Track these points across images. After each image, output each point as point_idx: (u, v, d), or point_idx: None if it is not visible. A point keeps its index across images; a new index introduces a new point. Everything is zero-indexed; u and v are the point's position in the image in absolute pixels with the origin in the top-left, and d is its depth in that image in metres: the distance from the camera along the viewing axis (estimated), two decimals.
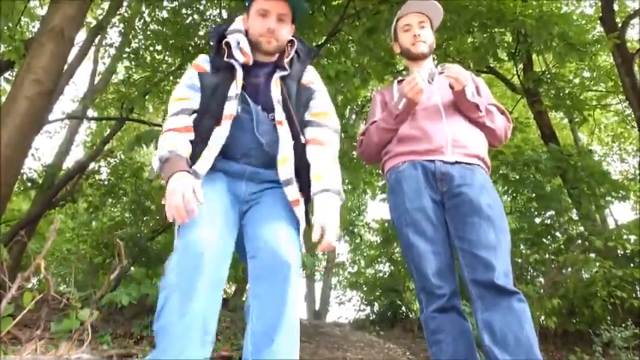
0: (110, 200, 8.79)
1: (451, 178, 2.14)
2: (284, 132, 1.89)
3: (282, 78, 1.96)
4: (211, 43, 1.99)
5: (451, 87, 2.22)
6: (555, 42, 6.59)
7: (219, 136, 1.84)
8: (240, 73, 1.91)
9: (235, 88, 1.89)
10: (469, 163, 2.18)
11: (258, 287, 1.72)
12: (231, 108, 1.86)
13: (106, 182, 8.54)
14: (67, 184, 8.07)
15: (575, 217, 7.05)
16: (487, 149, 2.33)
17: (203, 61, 1.98)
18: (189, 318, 1.58)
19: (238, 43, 1.93)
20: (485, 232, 2.03)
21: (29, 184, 8.36)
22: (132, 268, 6.45)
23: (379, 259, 10.09)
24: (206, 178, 1.82)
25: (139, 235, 7.09)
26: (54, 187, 7.93)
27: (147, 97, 9.14)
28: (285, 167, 1.86)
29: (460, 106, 2.27)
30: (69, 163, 10.03)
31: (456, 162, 2.17)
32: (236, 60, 1.91)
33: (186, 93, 1.93)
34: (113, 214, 9.22)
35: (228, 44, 1.93)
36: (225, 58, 1.91)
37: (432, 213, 2.14)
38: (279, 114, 1.90)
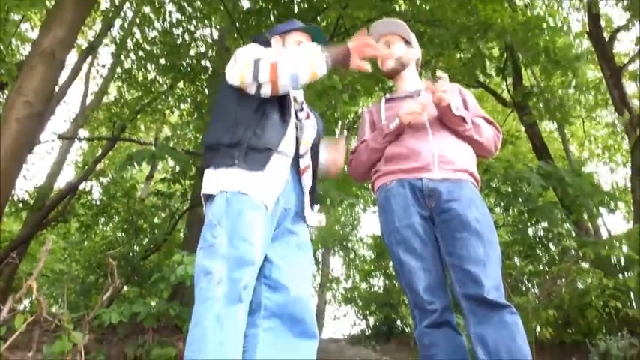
0: (102, 220, 8.74)
1: (439, 194, 2.14)
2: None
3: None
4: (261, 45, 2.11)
5: (436, 103, 2.22)
6: (541, 58, 6.70)
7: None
8: None
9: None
10: (457, 179, 2.19)
11: (273, 322, 1.87)
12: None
13: (98, 202, 8.50)
14: (59, 204, 8.04)
15: (568, 228, 7.07)
16: (476, 163, 2.34)
17: None
18: (230, 329, 1.67)
19: None
20: (474, 247, 2.03)
21: (20, 205, 8.31)
22: (125, 288, 6.40)
23: (373, 274, 10.08)
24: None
25: (131, 254, 7.05)
26: (45, 207, 7.89)
27: (139, 116, 9.17)
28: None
29: (446, 120, 2.27)
30: (60, 183, 10.01)
31: (444, 179, 2.17)
32: None
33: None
34: (105, 233, 9.17)
35: None
36: None
37: (421, 230, 2.15)
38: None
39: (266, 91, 1.88)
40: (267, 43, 2.15)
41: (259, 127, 1.88)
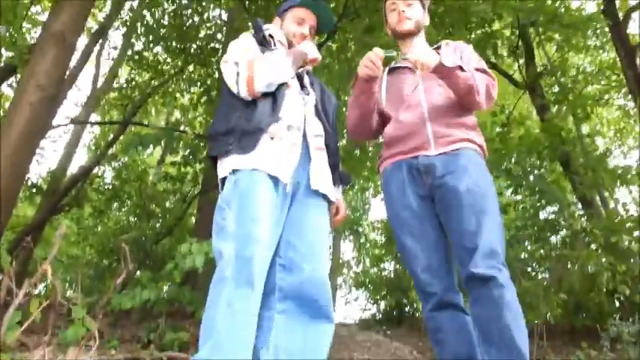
0: (115, 204, 8.80)
1: (434, 169, 2.07)
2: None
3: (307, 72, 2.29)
4: (254, 33, 2.24)
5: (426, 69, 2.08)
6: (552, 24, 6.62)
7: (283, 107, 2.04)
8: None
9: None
10: (455, 149, 2.10)
11: (287, 305, 1.87)
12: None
13: (110, 186, 8.56)
14: (72, 189, 8.10)
15: (574, 211, 7.02)
16: (476, 128, 2.23)
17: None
18: (241, 315, 1.69)
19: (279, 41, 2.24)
20: (466, 219, 1.96)
21: (34, 190, 8.38)
22: (138, 272, 6.47)
23: (384, 258, 10.09)
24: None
25: (143, 238, 7.11)
26: (59, 192, 7.95)
27: (149, 99, 9.17)
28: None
29: (443, 78, 2.12)
30: (73, 167, 10.07)
31: (440, 153, 2.09)
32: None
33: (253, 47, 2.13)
34: (118, 218, 9.24)
35: (271, 36, 2.23)
36: (272, 47, 2.18)
37: (417, 209, 2.10)
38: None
39: (245, 96, 1.99)
40: (260, 30, 2.23)
41: (249, 111, 1.97)
